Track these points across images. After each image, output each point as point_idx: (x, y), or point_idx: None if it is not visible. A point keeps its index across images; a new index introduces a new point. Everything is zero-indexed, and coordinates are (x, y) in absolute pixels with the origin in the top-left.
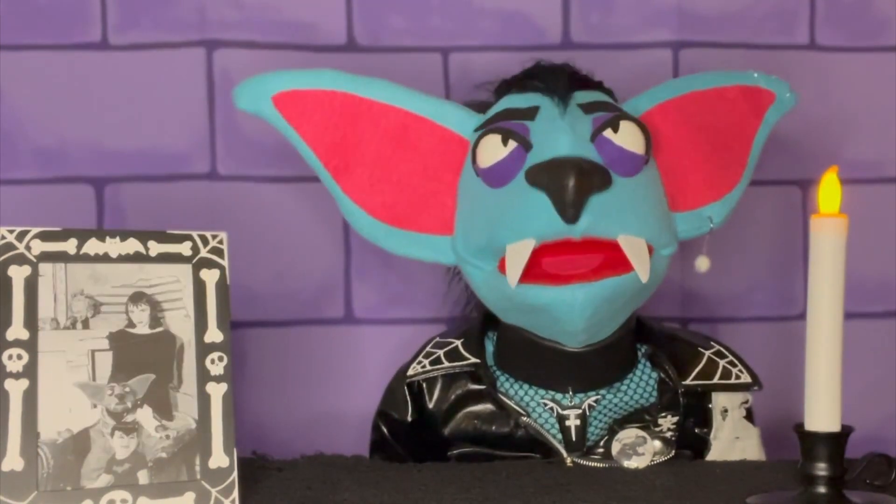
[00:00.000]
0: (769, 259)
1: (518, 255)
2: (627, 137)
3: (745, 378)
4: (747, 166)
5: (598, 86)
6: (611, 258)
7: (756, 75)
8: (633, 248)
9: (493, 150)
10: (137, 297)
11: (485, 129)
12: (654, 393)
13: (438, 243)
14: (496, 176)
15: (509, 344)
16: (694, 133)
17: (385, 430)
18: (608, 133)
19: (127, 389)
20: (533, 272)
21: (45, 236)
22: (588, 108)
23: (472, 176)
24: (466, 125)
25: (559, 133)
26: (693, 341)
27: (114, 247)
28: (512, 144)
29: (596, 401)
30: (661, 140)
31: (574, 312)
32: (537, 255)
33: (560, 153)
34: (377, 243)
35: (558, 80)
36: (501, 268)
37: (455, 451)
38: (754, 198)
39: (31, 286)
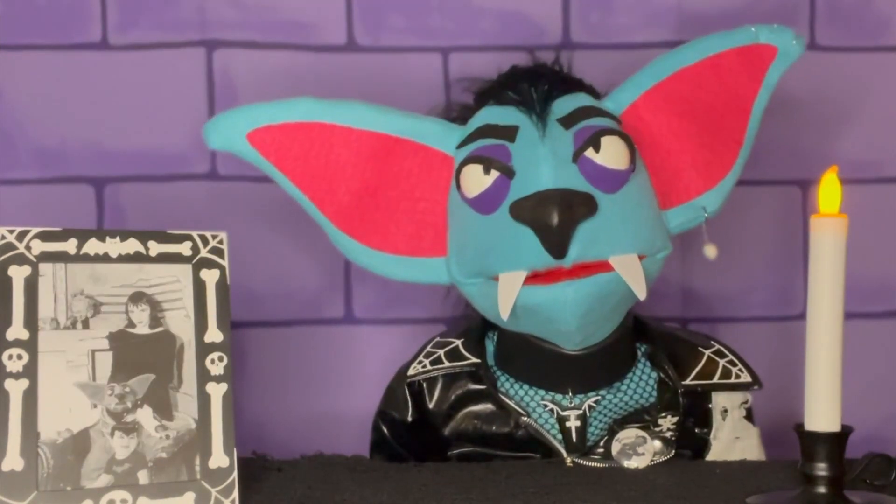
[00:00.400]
0: (769, 259)
1: (510, 287)
2: (609, 155)
3: (745, 377)
4: (744, 143)
5: (579, 84)
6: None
7: (754, 29)
8: (627, 267)
9: (476, 180)
10: (137, 297)
11: (466, 154)
12: (654, 393)
13: (435, 265)
14: (482, 205)
15: (509, 344)
16: (684, 120)
17: (385, 429)
18: (590, 153)
19: (127, 389)
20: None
21: (45, 236)
22: (568, 121)
23: (459, 199)
24: (448, 141)
25: (540, 162)
26: (693, 341)
27: (114, 247)
28: (494, 174)
29: (596, 401)
30: (648, 136)
31: (566, 311)
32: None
33: (542, 186)
34: (374, 271)
35: (535, 91)
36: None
37: (455, 451)
38: (754, 198)
39: (31, 286)
